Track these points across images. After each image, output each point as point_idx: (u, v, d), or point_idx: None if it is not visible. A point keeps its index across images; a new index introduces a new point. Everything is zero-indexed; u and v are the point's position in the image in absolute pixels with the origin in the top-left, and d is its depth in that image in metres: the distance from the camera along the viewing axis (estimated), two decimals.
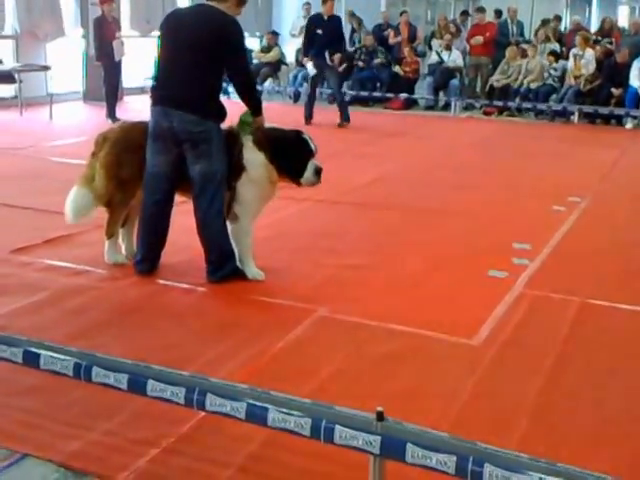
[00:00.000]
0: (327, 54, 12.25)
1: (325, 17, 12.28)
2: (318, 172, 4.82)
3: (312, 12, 16.23)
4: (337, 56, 12.47)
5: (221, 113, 4.75)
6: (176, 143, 4.66)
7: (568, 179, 8.44)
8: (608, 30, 16.10)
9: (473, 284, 4.97)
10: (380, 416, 2.36)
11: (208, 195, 4.68)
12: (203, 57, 4.60)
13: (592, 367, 3.82)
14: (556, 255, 5.67)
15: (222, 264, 4.79)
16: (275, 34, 16.57)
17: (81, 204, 5.01)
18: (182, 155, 4.69)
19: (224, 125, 4.84)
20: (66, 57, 14.15)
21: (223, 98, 4.87)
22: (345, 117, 12.31)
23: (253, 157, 4.74)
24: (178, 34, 4.68)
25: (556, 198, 7.35)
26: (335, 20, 12.46)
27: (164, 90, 4.72)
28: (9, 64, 12.57)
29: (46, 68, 12.67)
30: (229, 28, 4.66)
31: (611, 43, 14.97)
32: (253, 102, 4.85)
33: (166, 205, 4.87)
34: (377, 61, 15.58)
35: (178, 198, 5.02)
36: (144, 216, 4.89)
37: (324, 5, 12.35)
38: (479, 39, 15.10)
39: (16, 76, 12.26)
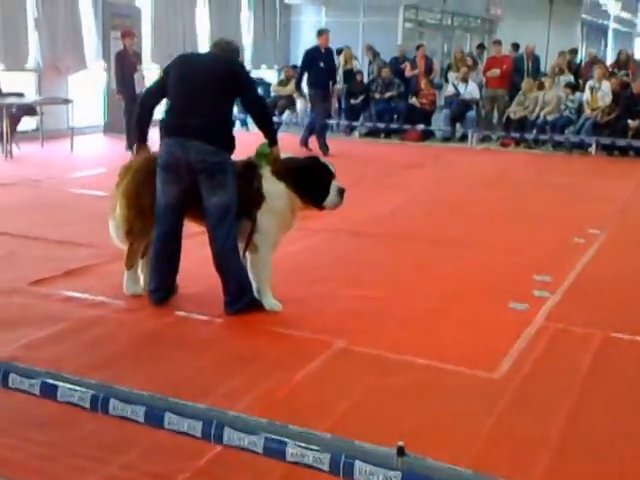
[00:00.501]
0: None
1: (322, 50, 12.54)
2: (341, 193, 4.83)
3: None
4: (335, 87, 13.06)
5: (233, 144, 4.81)
6: (190, 173, 4.67)
7: (587, 211, 8.39)
8: (624, 62, 16.12)
9: (493, 316, 4.92)
10: (401, 451, 2.31)
11: (225, 227, 4.69)
12: (218, 92, 4.70)
13: (615, 402, 3.76)
14: (577, 287, 5.61)
15: (240, 296, 4.78)
16: (294, 68, 16.69)
17: (119, 233, 5.07)
18: (194, 185, 4.69)
19: (242, 156, 4.87)
20: (87, 90, 14.30)
21: (242, 130, 4.92)
22: (326, 147, 12.52)
23: (273, 187, 4.76)
24: (193, 72, 4.78)
25: (576, 230, 7.30)
26: (331, 52, 12.91)
27: (179, 122, 4.74)
28: (31, 97, 12.70)
29: (67, 101, 12.80)
30: (239, 69, 4.98)
31: (627, 75, 14.98)
32: (270, 132, 4.96)
33: (176, 234, 4.88)
34: (392, 93, 15.62)
35: (194, 228, 5.02)
36: (155, 245, 4.90)
37: (320, 38, 12.71)
38: (496, 72, 15.14)
39: (38, 109, 12.38)
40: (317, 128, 12.78)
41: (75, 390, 2.81)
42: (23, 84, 13.01)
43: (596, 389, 3.90)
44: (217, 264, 4.79)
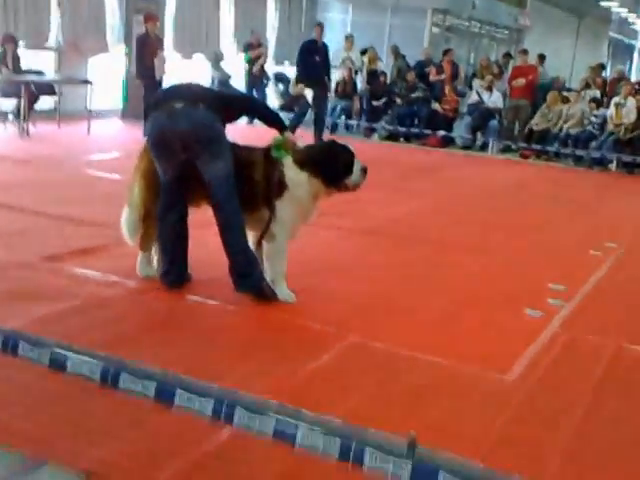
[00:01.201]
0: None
1: (318, 43, 12.58)
2: (364, 171, 4.79)
3: (354, 46, 16.44)
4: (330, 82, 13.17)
5: (224, 119, 4.75)
6: (183, 147, 4.58)
7: (605, 225, 8.34)
8: None
9: (507, 321, 4.88)
10: (412, 441, 2.27)
11: (228, 195, 4.62)
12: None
13: (626, 410, 3.72)
14: (592, 298, 5.56)
15: (249, 271, 4.69)
16: None
17: (130, 221, 5.00)
18: (189, 161, 4.61)
19: (261, 145, 4.86)
20: (107, 73, 14.31)
21: (248, 126, 4.94)
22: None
23: (296, 176, 4.71)
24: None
25: (592, 243, 7.24)
26: (325, 46, 12.92)
27: (168, 94, 4.78)
28: (50, 76, 12.69)
29: (87, 82, 12.79)
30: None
31: None
32: (274, 119, 4.94)
33: (180, 211, 4.81)
34: (418, 94, 15.56)
35: (205, 216, 4.97)
36: (159, 226, 4.84)
37: (315, 30, 12.91)
38: (521, 81, 15.04)
39: (56, 88, 12.38)
40: (323, 125, 12.75)
41: (85, 362, 2.78)
42: (43, 63, 13.01)
43: (607, 397, 3.86)
44: (223, 235, 4.70)
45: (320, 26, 13.04)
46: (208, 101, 4.70)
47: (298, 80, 12.97)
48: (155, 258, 5.11)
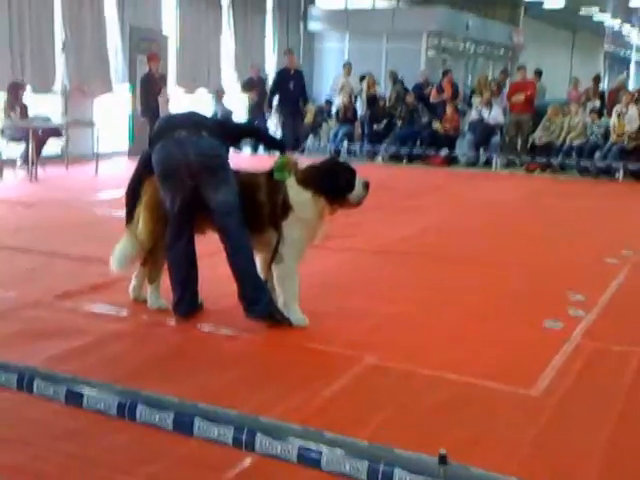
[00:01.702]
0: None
1: (292, 71, 12.77)
2: (366, 185, 4.78)
3: (352, 72, 16.55)
4: (308, 107, 13.76)
5: (228, 148, 4.82)
6: (191, 175, 4.58)
7: (618, 233, 8.26)
8: None
9: (528, 334, 4.78)
10: (443, 459, 2.19)
11: (235, 221, 4.62)
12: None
13: None
14: (612, 306, 5.47)
15: (258, 296, 4.64)
16: (327, 103, 16.94)
17: (124, 252, 4.99)
18: (195, 189, 4.61)
19: (263, 169, 4.88)
20: (113, 114, 14.42)
21: (251, 155, 4.96)
22: None
23: (300, 196, 4.70)
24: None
25: (608, 251, 7.16)
26: (300, 73, 13.42)
27: (173, 122, 4.80)
28: (57, 119, 12.77)
29: (93, 124, 12.88)
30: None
31: None
32: (273, 141, 5.06)
33: (188, 240, 4.79)
34: (424, 119, 15.62)
35: (214, 246, 4.93)
36: (168, 255, 4.82)
37: (287, 58, 13.41)
38: (520, 97, 15.05)
39: (63, 131, 12.45)
40: (300, 147, 12.94)
41: (101, 397, 2.72)
42: (49, 107, 13.13)
43: (637, 406, 3.76)
44: (232, 262, 4.68)
45: (291, 53, 13.34)
46: (210, 128, 4.74)
47: (270, 105, 13.58)
48: (148, 289, 5.07)
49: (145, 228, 4.91)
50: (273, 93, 13.51)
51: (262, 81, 15.96)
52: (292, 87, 12.93)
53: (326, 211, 4.78)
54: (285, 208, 4.68)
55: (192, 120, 4.83)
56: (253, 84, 15.64)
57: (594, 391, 3.92)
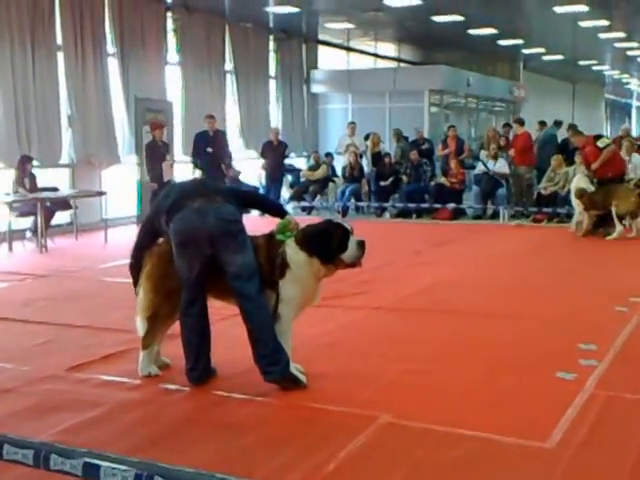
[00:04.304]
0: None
1: (211, 133, 13.01)
2: (361, 245, 4.82)
3: (356, 131, 16.81)
4: (231, 170, 14.12)
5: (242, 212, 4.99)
6: (211, 243, 4.68)
7: (627, 280, 8.25)
8: None
9: (541, 386, 4.78)
10: None
11: (254, 285, 4.69)
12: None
13: None
14: (624, 355, 5.46)
15: (277, 359, 4.67)
16: (328, 156, 17.12)
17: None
18: (213, 257, 4.71)
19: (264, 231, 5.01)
20: (120, 183, 14.58)
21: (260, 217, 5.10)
22: None
23: (296, 255, 4.78)
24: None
25: (617, 299, 7.16)
26: (219, 134, 13.68)
27: (192, 192, 4.88)
28: (65, 191, 12.96)
29: (101, 194, 13.05)
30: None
31: None
32: (275, 207, 5.23)
33: (200, 307, 4.86)
34: (427, 175, 15.81)
35: (228, 311, 4.98)
36: (182, 322, 4.89)
37: (206, 122, 13.56)
38: (512, 151, 15.29)
39: (72, 202, 12.62)
40: None
41: (119, 469, 2.74)
42: (57, 179, 13.32)
43: None
44: (250, 325, 4.71)
45: (210, 117, 13.63)
46: (224, 194, 4.92)
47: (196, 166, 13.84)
48: (140, 354, 5.11)
49: (145, 297, 5.00)
50: (193, 156, 14.03)
51: (282, 144, 16.29)
52: (210, 150, 13.41)
53: (322, 272, 4.83)
54: (283, 267, 4.77)
55: (205, 187, 5.01)
56: (272, 148, 15.97)
57: (608, 442, 3.91)
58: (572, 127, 14.73)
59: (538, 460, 3.68)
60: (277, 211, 5.11)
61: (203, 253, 4.72)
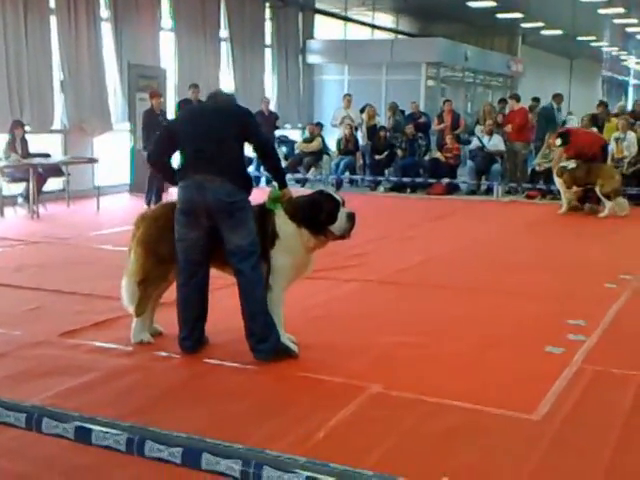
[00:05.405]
0: None
1: (194, 103, 12.75)
2: (350, 217, 4.82)
3: (352, 102, 16.69)
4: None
5: (250, 184, 4.91)
6: (208, 216, 4.70)
7: (617, 258, 8.30)
8: (639, 113, 16.16)
9: (529, 360, 4.83)
10: None
11: (250, 262, 4.69)
12: (228, 133, 4.76)
13: None
14: (613, 331, 5.52)
15: (266, 336, 4.71)
16: (319, 125, 16.92)
17: (130, 289, 5.08)
18: (214, 228, 4.72)
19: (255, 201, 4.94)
20: (113, 150, 14.49)
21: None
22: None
23: (285, 226, 4.80)
24: (204, 123, 4.82)
25: (607, 276, 7.21)
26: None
27: (195, 163, 4.78)
28: (57, 157, 12.89)
29: (93, 160, 12.97)
30: (248, 117, 4.98)
31: None
32: (279, 175, 5.05)
33: (201, 279, 4.88)
34: (421, 150, 15.78)
35: (224, 280, 5.00)
36: (181, 292, 4.91)
37: (190, 91, 13.22)
38: (508, 127, 15.22)
39: (64, 169, 12.56)
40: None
41: (110, 433, 2.77)
42: (49, 145, 13.21)
43: (638, 429, 3.81)
44: (243, 301, 4.74)
45: (195, 87, 13.35)
46: (232, 170, 4.76)
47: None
48: (133, 322, 5.13)
49: (137, 262, 5.01)
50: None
51: (274, 115, 16.18)
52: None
53: (311, 242, 4.84)
54: (273, 237, 4.78)
55: (215, 157, 4.72)
56: (263, 119, 15.83)
57: (594, 415, 3.97)
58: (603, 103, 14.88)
59: (524, 432, 3.74)
60: (279, 178, 5.02)
61: (202, 224, 4.73)
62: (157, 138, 5.25)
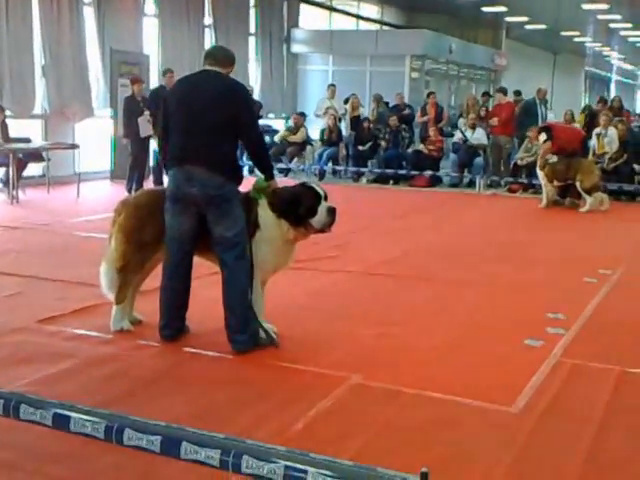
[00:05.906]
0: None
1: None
2: (331, 211, 4.81)
3: (336, 93, 16.65)
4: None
5: (239, 174, 4.86)
6: (196, 205, 4.69)
7: (597, 253, 8.36)
8: (618, 109, 16.26)
9: (509, 353, 4.86)
10: (425, 477, 2.24)
11: (233, 256, 4.67)
12: (219, 120, 4.67)
13: (635, 434, 3.70)
14: (591, 324, 5.56)
15: (244, 327, 4.70)
16: (302, 115, 16.84)
17: (109, 276, 5.06)
18: (202, 216, 4.71)
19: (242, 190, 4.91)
20: (94, 137, 14.37)
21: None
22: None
23: (266, 216, 4.80)
24: (193, 100, 4.74)
25: (586, 270, 7.25)
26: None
27: (184, 152, 4.72)
28: (38, 142, 12.78)
29: (74, 146, 12.86)
30: (240, 92, 4.85)
31: (622, 122, 14.93)
32: (265, 164, 4.97)
33: (186, 267, 4.87)
34: (405, 142, 15.78)
35: (206, 269, 4.98)
36: (165, 279, 4.89)
37: (166, 77, 12.69)
38: (494, 120, 15.27)
39: (44, 155, 12.45)
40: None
41: (89, 420, 2.75)
42: (30, 130, 13.09)
43: (615, 422, 3.84)
44: (226, 293, 4.73)
45: (170, 72, 12.68)
46: (220, 160, 4.69)
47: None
48: (113, 309, 5.11)
49: (117, 249, 4.98)
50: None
51: (257, 104, 16.11)
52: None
53: (291, 234, 4.83)
54: (254, 227, 4.78)
55: (205, 147, 4.67)
56: None
57: (572, 408, 4.00)
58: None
59: (502, 424, 3.76)
60: (267, 172, 4.95)
61: (191, 211, 4.72)
62: (162, 123, 5.11)
